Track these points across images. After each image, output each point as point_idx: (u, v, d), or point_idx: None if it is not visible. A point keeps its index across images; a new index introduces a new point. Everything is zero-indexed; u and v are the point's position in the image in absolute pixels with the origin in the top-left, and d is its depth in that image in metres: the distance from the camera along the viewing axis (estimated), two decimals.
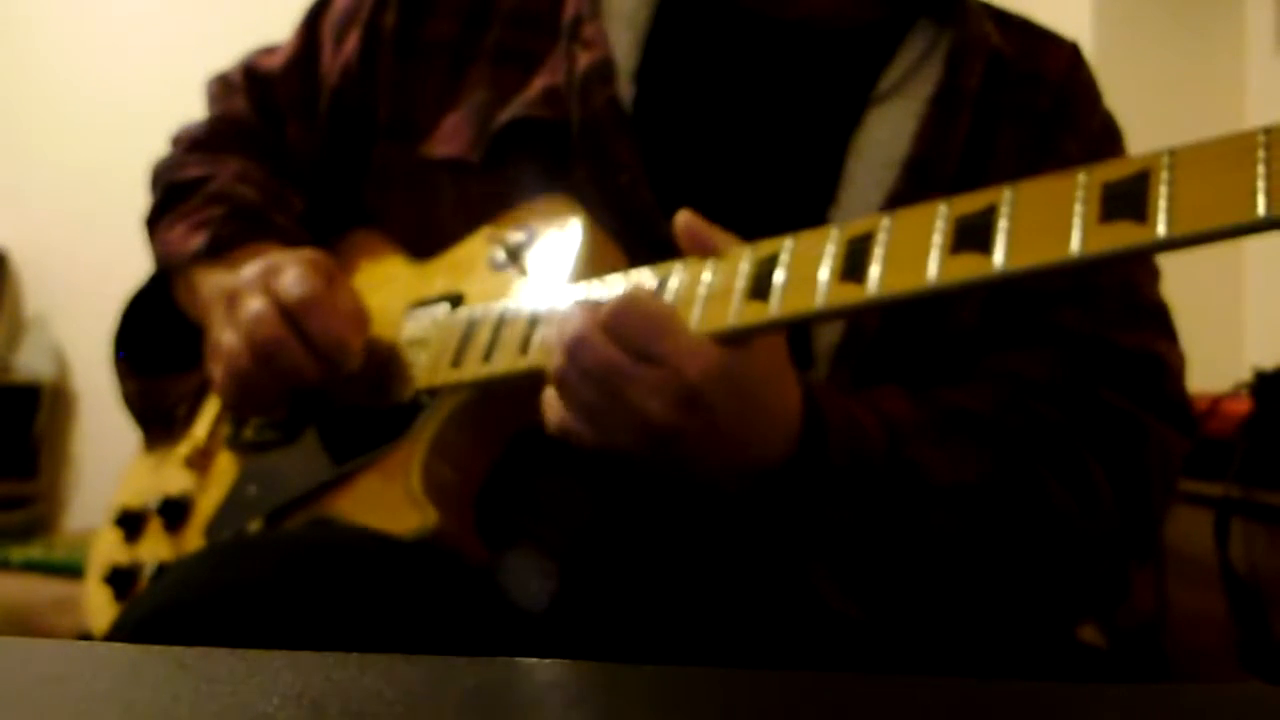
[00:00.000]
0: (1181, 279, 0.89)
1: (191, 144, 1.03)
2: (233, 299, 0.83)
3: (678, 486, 0.74)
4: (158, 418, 1.00)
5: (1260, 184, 0.50)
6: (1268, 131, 0.51)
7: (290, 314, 0.80)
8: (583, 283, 0.75)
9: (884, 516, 0.73)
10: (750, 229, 0.69)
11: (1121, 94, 0.96)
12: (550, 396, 0.68)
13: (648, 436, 0.65)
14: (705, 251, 0.69)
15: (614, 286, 0.73)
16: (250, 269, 0.83)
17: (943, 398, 0.77)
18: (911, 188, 0.81)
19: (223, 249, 0.91)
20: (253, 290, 0.81)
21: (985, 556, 0.76)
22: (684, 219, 0.70)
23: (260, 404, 0.85)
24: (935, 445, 0.74)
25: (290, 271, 0.82)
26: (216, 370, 0.85)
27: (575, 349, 0.65)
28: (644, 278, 0.72)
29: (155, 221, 1.00)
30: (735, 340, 0.66)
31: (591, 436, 0.67)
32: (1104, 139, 0.90)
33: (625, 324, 0.65)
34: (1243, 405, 1.52)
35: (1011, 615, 0.78)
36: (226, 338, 0.82)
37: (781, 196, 0.84)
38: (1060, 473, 0.76)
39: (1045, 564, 0.78)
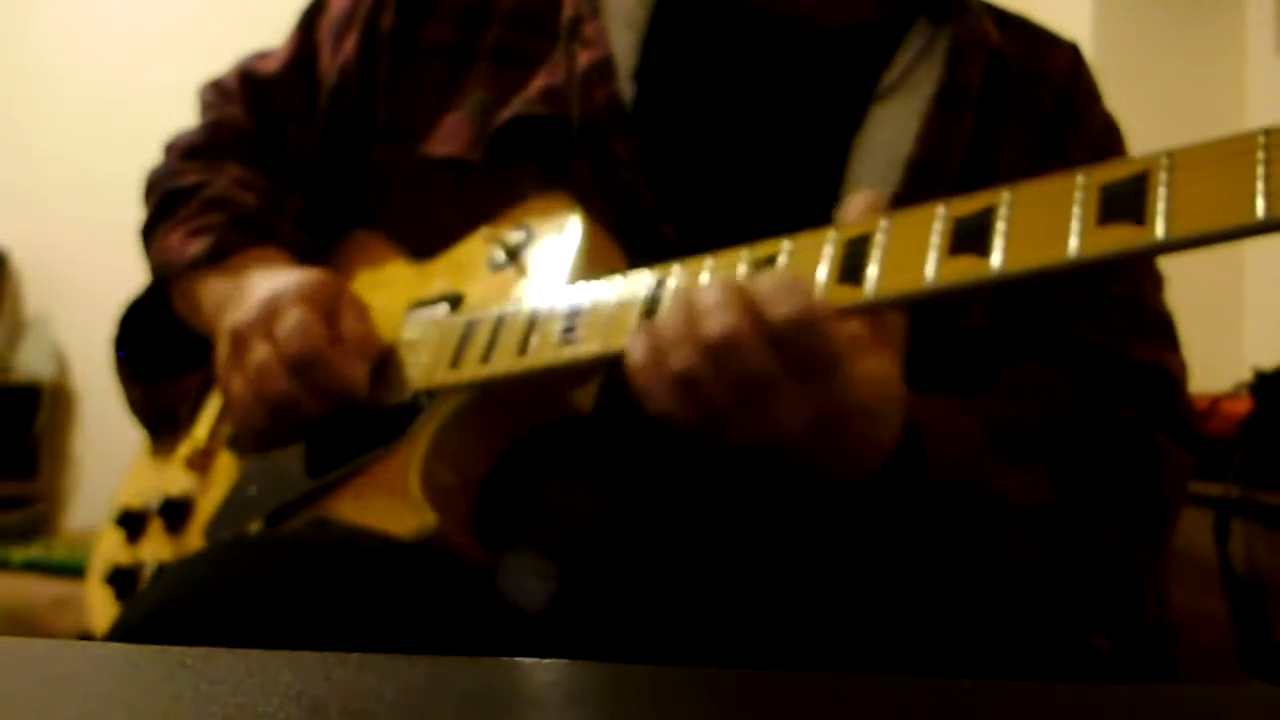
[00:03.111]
0: (1181, 279, 0.89)
1: (186, 151, 1.02)
2: (238, 342, 0.83)
3: (728, 482, 0.72)
4: (164, 421, 1.00)
5: (1260, 185, 0.50)
6: (1267, 133, 0.51)
7: (295, 367, 0.80)
8: (582, 282, 0.75)
9: (963, 536, 0.72)
10: (752, 229, 0.69)
11: (1121, 94, 0.96)
12: (658, 378, 0.64)
13: (767, 446, 0.63)
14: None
15: (706, 282, 0.69)
16: (250, 305, 0.83)
17: (993, 414, 0.76)
18: (915, 187, 0.81)
19: (224, 256, 0.91)
20: (255, 335, 0.81)
21: (1044, 576, 0.75)
22: (866, 198, 0.66)
23: (276, 439, 0.86)
24: (1007, 466, 0.73)
25: (291, 315, 0.81)
26: (230, 409, 0.86)
27: (724, 352, 0.61)
28: (642, 278, 0.72)
29: (151, 230, 0.99)
30: None
31: (700, 430, 0.64)
32: (1107, 140, 0.90)
33: (801, 342, 0.61)
34: (1243, 405, 1.52)
35: (1042, 630, 0.77)
36: (236, 384, 0.83)
37: (784, 197, 0.84)
38: (1104, 495, 0.76)
39: (1085, 581, 0.77)
